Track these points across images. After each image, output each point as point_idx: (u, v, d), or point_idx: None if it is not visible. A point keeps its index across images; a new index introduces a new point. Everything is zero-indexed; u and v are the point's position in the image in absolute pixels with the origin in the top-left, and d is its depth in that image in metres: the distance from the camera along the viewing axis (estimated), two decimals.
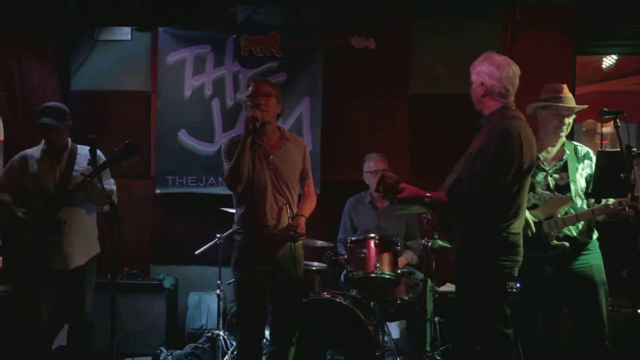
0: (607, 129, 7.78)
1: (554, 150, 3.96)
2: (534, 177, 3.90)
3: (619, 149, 3.48)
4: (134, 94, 5.98)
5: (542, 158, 3.92)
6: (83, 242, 4.25)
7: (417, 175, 5.64)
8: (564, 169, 3.91)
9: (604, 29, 5.68)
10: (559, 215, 3.79)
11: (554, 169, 3.93)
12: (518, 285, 4.66)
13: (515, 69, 3.41)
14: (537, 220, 3.83)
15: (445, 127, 5.60)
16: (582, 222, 3.84)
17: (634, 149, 3.44)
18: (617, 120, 3.53)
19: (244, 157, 3.69)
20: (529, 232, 3.77)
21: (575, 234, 3.84)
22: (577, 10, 5.51)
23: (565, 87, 3.98)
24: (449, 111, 5.60)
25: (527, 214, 3.78)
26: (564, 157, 3.92)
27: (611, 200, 3.72)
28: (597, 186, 3.70)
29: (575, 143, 4.06)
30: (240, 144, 3.71)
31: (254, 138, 3.66)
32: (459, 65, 5.49)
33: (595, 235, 3.92)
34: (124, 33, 5.93)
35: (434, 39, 5.79)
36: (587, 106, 3.94)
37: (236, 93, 5.77)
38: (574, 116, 3.94)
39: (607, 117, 3.69)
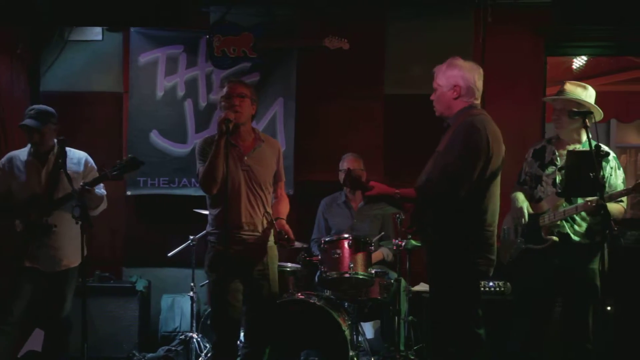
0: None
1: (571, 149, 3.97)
2: (543, 170, 3.96)
3: (588, 149, 3.52)
4: (106, 94, 5.93)
5: (557, 154, 3.96)
6: (70, 246, 4.16)
7: (391, 174, 5.64)
8: None
9: (575, 30, 5.76)
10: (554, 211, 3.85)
11: (563, 164, 3.93)
12: (491, 284, 4.74)
13: (481, 72, 3.50)
14: (534, 212, 3.90)
15: (420, 127, 5.60)
16: (583, 224, 3.86)
17: (603, 149, 3.47)
18: (586, 120, 3.57)
19: (219, 159, 3.66)
20: (522, 221, 3.87)
21: (569, 231, 3.87)
22: (549, 12, 5.55)
23: (567, 83, 4.00)
24: (423, 111, 5.55)
25: (525, 204, 3.89)
26: None
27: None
28: (567, 186, 3.73)
29: (599, 144, 4.07)
30: (214, 146, 3.68)
31: (227, 139, 3.64)
32: (432, 66, 5.53)
33: (599, 238, 3.81)
34: (95, 33, 5.87)
35: (407, 39, 5.82)
36: (586, 103, 3.93)
37: (209, 94, 5.74)
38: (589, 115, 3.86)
39: (577, 117, 3.73)
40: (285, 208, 4.05)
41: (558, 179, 3.92)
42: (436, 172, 3.35)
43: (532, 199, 4.00)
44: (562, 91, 3.97)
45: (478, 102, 3.47)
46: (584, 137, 3.92)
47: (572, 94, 3.92)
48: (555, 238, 3.84)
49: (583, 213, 3.83)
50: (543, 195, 3.95)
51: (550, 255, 3.88)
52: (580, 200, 3.83)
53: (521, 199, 4.01)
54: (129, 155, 4.04)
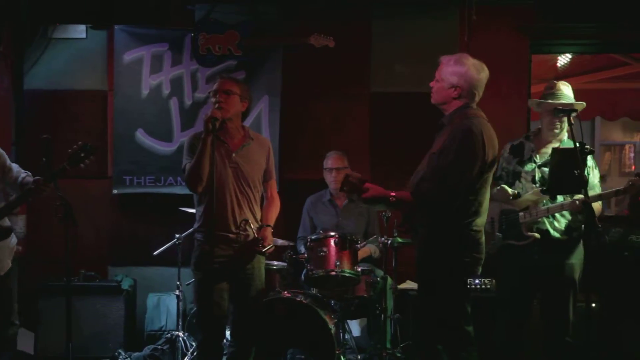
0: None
1: (551, 147, 4.00)
2: (522, 166, 3.99)
3: (572, 146, 3.54)
4: (90, 93, 5.87)
5: (535, 151, 3.99)
6: (9, 246, 4.06)
7: (377, 173, 5.65)
8: None
9: (559, 28, 5.80)
10: (535, 208, 3.87)
11: (543, 161, 3.97)
12: (477, 281, 4.76)
13: (487, 74, 3.45)
14: (516, 208, 3.93)
15: (405, 125, 5.64)
16: (562, 220, 3.89)
17: (587, 147, 3.50)
18: (571, 117, 3.59)
19: (205, 157, 3.65)
20: (510, 197, 3.90)
21: (549, 227, 3.89)
22: (533, 10, 5.60)
23: (559, 84, 4.01)
24: (408, 109, 5.64)
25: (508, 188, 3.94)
26: None
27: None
28: (552, 183, 3.76)
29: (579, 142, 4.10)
30: (200, 144, 3.67)
31: (214, 137, 3.63)
32: (417, 64, 5.62)
33: (577, 234, 3.93)
34: (79, 31, 5.81)
35: (393, 37, 5.82)
36: (582, 104, 3.94)
37: (194, 92, 5.72)
38: (573, 113, 3.93)
39: (561, 114, 3.76)
40: (273, 213, 4.05)
41: (538, 175, 3.96)
42: (431, 175, 3.35)
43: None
44: (555, 93, 3.97)
45: (475, 103, 3.46)
46: (565, 135, 3.96)
47: (564, 96, 3.95)
48: (537, 235, 3.87)
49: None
50: (522, 191, 3.97)
51: (530, 251, 3.90)
52: (560, 198, 3.87)
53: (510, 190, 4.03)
54: (79, 143, 3.84)
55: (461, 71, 3.39)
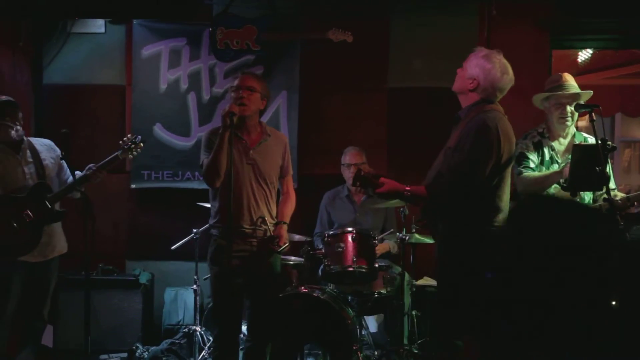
0: (583, 122, 7.85)
1: (565, 142, 3.97)
2: (548, 168, 3.93)
3: (594, 143, 3.50)
4: (108, 87, 5.89)
5: (555, 149, 3.96)
6: (62, 231, 4.23)
7: (394, 169, 5.63)
8: None
9: (580, 23, 5.73)
10: None
11: (566, 161, 3.93)
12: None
13: (511, 78, 3.42)
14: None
15: (423, 121, 5.61)
16: None
17: (609, 143, 3.46)
18: (593, 114, 3.55)
19: (222, 153, 3.65)
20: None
21: None
22: (553, 5, 5.54)
23: (565, 75, 4.00)
24: (426, 105, 5.61)
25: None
26: None
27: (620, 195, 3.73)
28: (573, 180, 3.71)
29: (585, 135, 4.07)
30: (218, 139, 3.67)
31: (232, 132, 3.62)
32: (436, 59, 5.58)
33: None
34: (98, 25, 5.83)
35: (411, 33, 5.78)
36: (590, 92, 3.92)
37: (212, 87, 5.72)
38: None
39: (583, 110, 3.72)
40: (289, 209, 4.05)
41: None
42: (446, 170, 3.33)
43: None
44: (563, 84, 3.95)
45: (496, 101, 3.44)
46: (574, 128, 3.93)
47: (572, 86, 3.92)
48: None
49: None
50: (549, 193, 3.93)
51: None
52: (584, 195, 3.83)
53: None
54: (129, 135, 4.20)
55: (486, 66, 3.37)
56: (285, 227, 3.94)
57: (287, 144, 4.08)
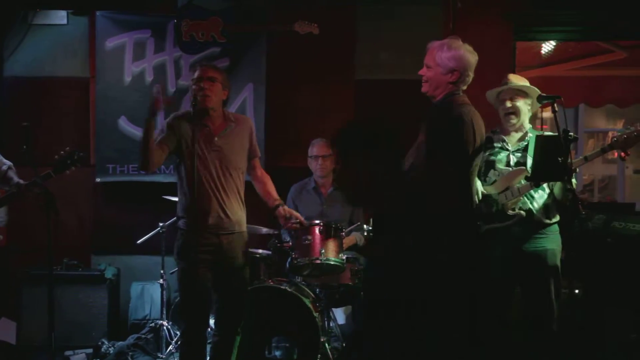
0: (547, 114, 7.95)
1: (517, 136, 4.01)
2: (495, 155, 3.99)
3: (556, 134, 3.54)
4: (71, 80, 5.81)
5: (506, 140, 3.99)
6: None
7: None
8: (526, 148, 3.96)
9: (543, 15, 5.79)
10: (516, 186, 3.87)
11: (516, 148, 3.98)
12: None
13: (477, 58, 3.48)
14: (491, 193, 3.91)
15: (390, 112, 5.62)
16: (542, 199, 3.90)
17: (571, 134, 3.50)
18: (555, 105, 3.59)
19: (149, 139, 3.70)
20: (476, 200, 3.82)
21: (531, 206, 3.90)
22: None
23: (510, 75, 4.06)
24: (393, 97, 5.62)
25: (478, 184, 3.86)
26: (527, 139, 3.97)
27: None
28: (535, 170, 3.75)
29: (543, 133, 4.12)
30: (145, 125, 3.66)
31: (196, 120, 3.61)
32: (402, 51, 5.59)
33: (555, 219, 3.94)
34: (60, 17, 5.73)
35: (378, 24, 5.79)
36: (535, 89, 3.97)
37: (178, 79, 5.66)
38: (528, 101, 3.97)
39: (545, 102, 3.75)
40: (273, 188, 4.09)
41: (513, 161, 3.96)
42: (422, 163, 3.36)
43: (485, 184, 4.03)
44: (507, 83, 4.03)
45: (465, 87, 3.48)
46: (528, 125, 4.00)
47: (517, 82, 4.00)
48: (522, 213, 3.86)
49: (540, 191, 3.88)
50: (497, 177, 3.97)
51: (512, 234, 3.90)
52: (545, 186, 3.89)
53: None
54: (67, 149, 4.02)
55: (458, 54, 3.42)
56: (285, 204, 4.02)
57: (253, 127, 4.07)
